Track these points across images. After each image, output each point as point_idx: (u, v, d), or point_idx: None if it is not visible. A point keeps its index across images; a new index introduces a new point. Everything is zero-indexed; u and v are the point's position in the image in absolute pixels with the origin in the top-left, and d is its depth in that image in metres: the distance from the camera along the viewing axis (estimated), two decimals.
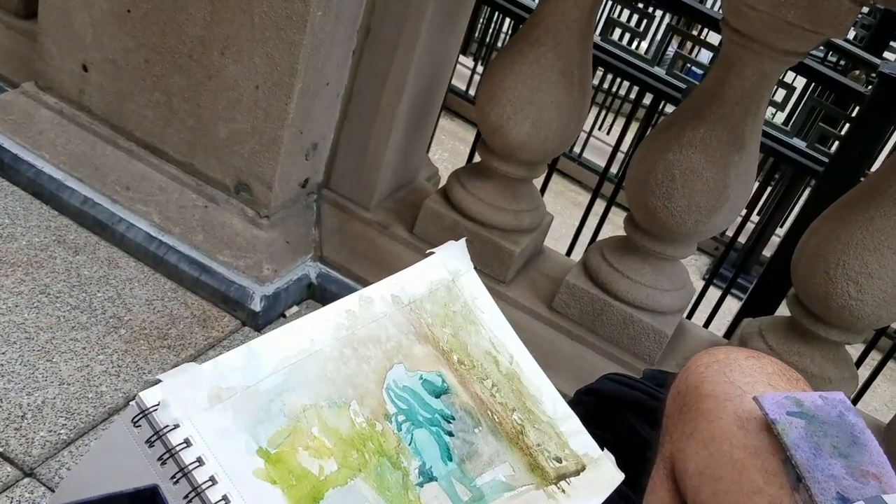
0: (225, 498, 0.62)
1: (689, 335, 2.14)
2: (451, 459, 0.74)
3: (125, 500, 0.42)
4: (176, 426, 0.63)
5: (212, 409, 0.65)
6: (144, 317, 1.92)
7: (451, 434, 0.76)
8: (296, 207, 2.12)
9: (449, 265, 0.88)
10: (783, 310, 2.29)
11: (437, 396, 0.78)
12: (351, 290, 2.06)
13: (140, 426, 0.63)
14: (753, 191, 3.79)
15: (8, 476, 1.50)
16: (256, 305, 1.96)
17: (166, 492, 0.61)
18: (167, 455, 0.62)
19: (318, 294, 2.12)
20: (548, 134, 1.94)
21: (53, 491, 1.51)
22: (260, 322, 1.98)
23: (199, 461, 0.62)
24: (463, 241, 0.91)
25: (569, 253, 2.95)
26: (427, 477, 0.72)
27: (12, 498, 1.48)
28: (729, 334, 2.70)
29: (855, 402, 2.30)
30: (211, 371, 0.67)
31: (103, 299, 1.93)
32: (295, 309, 2.08)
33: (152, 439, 0.62)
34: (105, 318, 1.88)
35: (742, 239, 4.21)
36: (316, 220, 2.16)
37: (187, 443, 0.62)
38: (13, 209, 2.10)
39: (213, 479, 0.62)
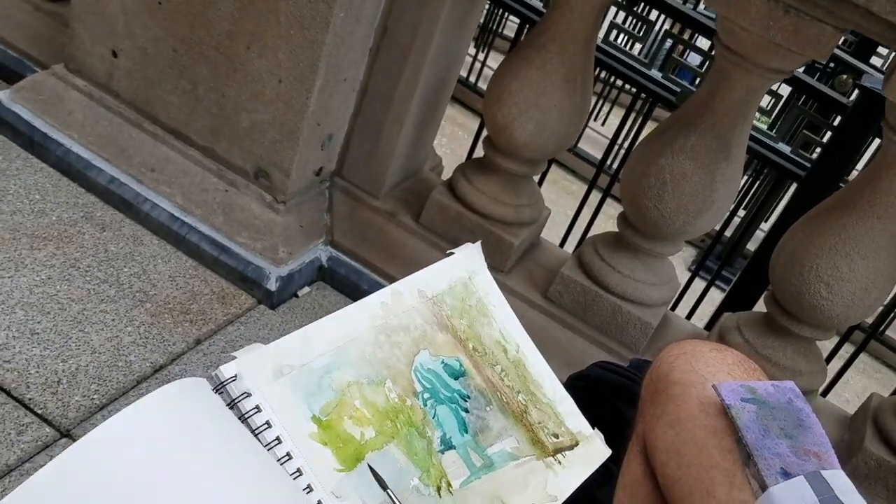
0: (288, 454, 0.76)
1: (672, 326, 2.29)
2: (466, 432, 0.89)
3: None
4: (248, 395, 0.77)
5: (275, 381, 0.80)
6: (168, 292, 2.06)
7: (466, 410, 0.90)
8: (310, 194, 2.26)
9: (467, 265, 1.02)
10: (763, 304, 2.44)
11: (456, 378, 0.92)
12: (359, 274, 2.21)
13: (222, 393, 0.77)
14: (741, 188, 3.94)
15: (47, 436, 1.65)
16: (272, 285, 2.10)
17: None
18: (241, 419, 0.77)
19: (329, 276, 2.26)
20: (550, 135, 2.08)
21: None
22: (274, 301, 2.12)
23: (267, 424, 0.77)
24: (479, 243, 1.04)
25: (563, 243, 3.09)
26: (447, 445, 0.86)
27: (51, 456, 1.62)
28: (711, 325, 2.86)
29: (826, 393, 2.46)
30: (274, 351, 0.81)
31: (130, 274, 2.07)
32: (306, 289, 2.22)
33: (229, 406, 0.77)
34: (132, 292, 2.02)
35: (728, 233, 4.37)
36: (328, 207, 2.30)
37: (257, 409, 0.77)
38: (43, 186, 2.23)
39: (278, 439, 0.77)
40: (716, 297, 3.63)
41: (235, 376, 0.78)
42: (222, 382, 0.78)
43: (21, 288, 1.92)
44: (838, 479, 0.92)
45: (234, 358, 0.80)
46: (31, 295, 1.91)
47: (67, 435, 1.67)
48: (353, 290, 2.23)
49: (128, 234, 2.18)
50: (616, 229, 2.19)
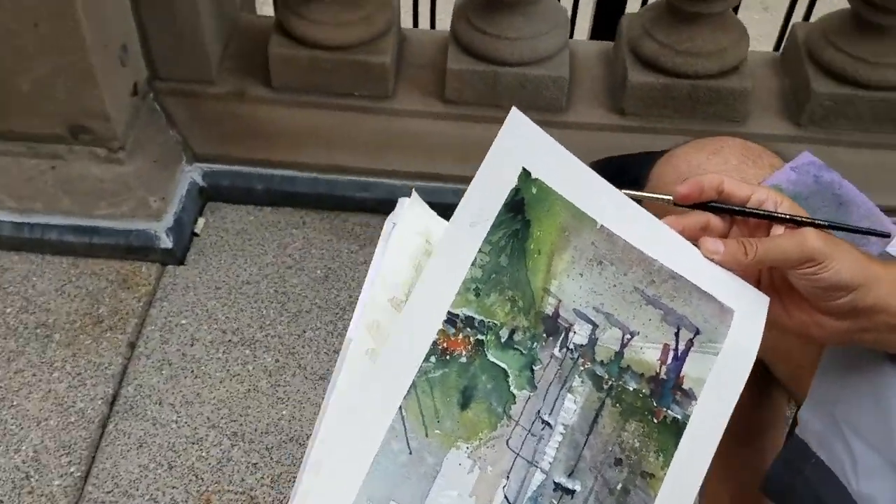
0: None
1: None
2: None
3: None
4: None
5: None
6: (65, 309, 1.80)
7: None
8: (141, 120, 1.90)
9: (415, 226, 0.73)
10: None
11: None
12: (245, 177, 1.95)
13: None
14: None
15: None
16: (166, 242, 1.84)
17: None
18: None
19: (216, 195, 1.98)
20: None
21: None
22: (178, 255, 1.87)
23: None
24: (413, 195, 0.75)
25: None
26: None
27: None
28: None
29: None
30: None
31: (16, 312, 1.79)
32: (202, 221, 1.96)
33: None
34: (30, 331, 1.76)
35: None
36: (168, 122, 1.96)
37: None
38: None
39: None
40: None
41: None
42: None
43: None
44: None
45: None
46: None
47: None
48: (246, 196, 1.98)
49: None
50: None
